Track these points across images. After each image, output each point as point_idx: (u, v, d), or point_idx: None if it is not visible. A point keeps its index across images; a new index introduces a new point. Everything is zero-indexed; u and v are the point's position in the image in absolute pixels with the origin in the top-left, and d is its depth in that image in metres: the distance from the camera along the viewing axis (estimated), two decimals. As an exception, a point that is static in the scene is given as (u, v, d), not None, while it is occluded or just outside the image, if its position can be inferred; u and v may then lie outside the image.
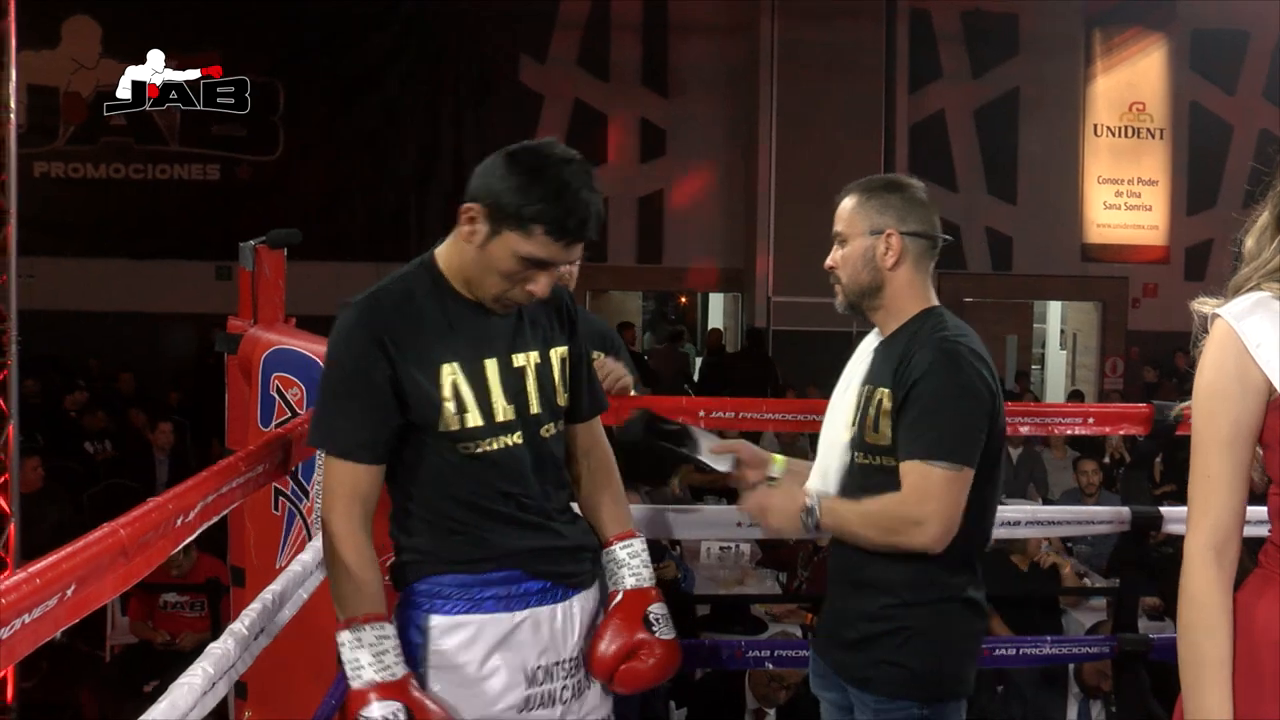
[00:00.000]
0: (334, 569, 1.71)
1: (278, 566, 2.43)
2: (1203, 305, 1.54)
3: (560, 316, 1.90)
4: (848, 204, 2.06)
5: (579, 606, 1.87)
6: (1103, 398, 11.24)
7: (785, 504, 1.99)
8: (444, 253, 1.81)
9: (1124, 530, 2.49)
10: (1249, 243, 1.54)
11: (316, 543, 1.97)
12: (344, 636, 1.66)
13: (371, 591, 1.69)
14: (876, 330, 2.12)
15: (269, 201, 10.73)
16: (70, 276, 10.66)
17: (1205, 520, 1.47)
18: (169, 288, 10.79)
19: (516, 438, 1.79)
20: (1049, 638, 2.69)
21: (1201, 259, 11.38)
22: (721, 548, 5.75)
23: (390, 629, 1.69)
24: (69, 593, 0.99)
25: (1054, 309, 13.30)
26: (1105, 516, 2.46)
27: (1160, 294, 11.56)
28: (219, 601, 5.03)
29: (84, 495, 6.97)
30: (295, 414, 2.38)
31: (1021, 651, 2.55)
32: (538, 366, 1.83)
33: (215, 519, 1.40)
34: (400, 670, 1.66)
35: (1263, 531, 1.51)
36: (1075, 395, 11.27)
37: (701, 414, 2.54)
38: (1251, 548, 1.50)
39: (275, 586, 1.65)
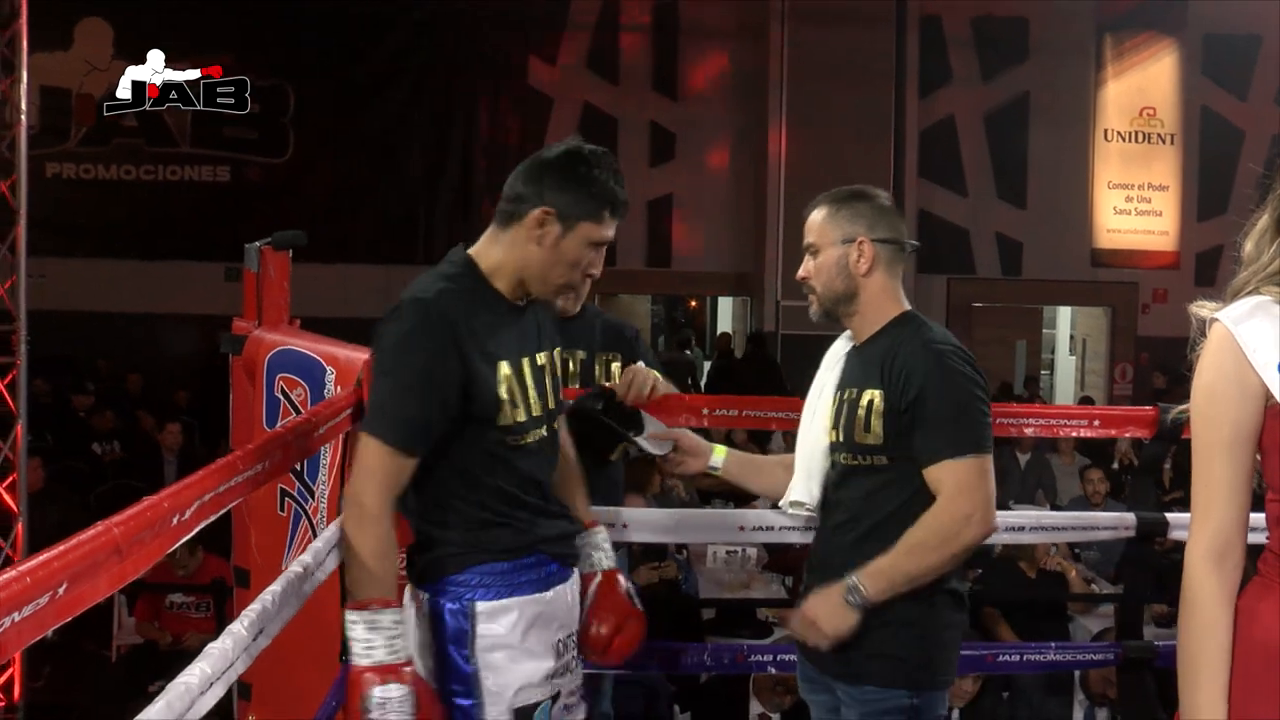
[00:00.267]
0: (356, 550, 1.76)
1: (283, 567, 2.43)
2: (1201, 309, 1.54)
3: (548, 318, 2.09)
4: (817, 216, 2.14)
5: (575, 585, 2.03)
6: (1112, 403, 11.19)
7: (827, 602, 2.01)
8: (484, 254, 1.92)
9: (1129, 536, 2.49)
10: (1248, 246, 1.54)
11: (318, 544, 1.98)
12: (357, 616, 1.72)
13: (390, 578, 1.77)
14: (845, 336, 2.22)
15: (279, 203, 10.75)
16: (80, 277, 10.71)
17: (1206, 526, 1.46)
18: (178, 289, 10.83)
19: (543, 430, 1.94)
20: (1053, 644, 2.67)
21: (1212, 265, 11.32)
22: (728, 551, 5.75)
23: (404, 615, 1.77)
24: (60, 591, 0.99)
25: (1063, 314, 13.26)
26: (1110, 522, 2.46)
27: (1170, 300, 11.49)
28: (224, 602, 5.05)
29: (91, 495, 6.99)
30: (300, 415, 2.39)
31: (1025, 658, 2.54)
32: (550, 365, 1.99)
33: (213, 518, 1.40)
34: (405, 654, 1.74)
35: (1262, 539, 1.50)
36: (1085, 401, 11.22)
37: (706, 411, 2.54)
38: (1251, 554, 1.49)
39: (275, 587, 1.65)
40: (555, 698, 1.94)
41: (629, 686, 3.49)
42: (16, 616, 0.90)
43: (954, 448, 1.97)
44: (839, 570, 2.06)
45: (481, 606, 1.86)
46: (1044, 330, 13.14)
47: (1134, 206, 11.76)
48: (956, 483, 1.96)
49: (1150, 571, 2.71)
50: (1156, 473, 2.66)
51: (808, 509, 2.22)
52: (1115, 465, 7.94)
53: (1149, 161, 11.76)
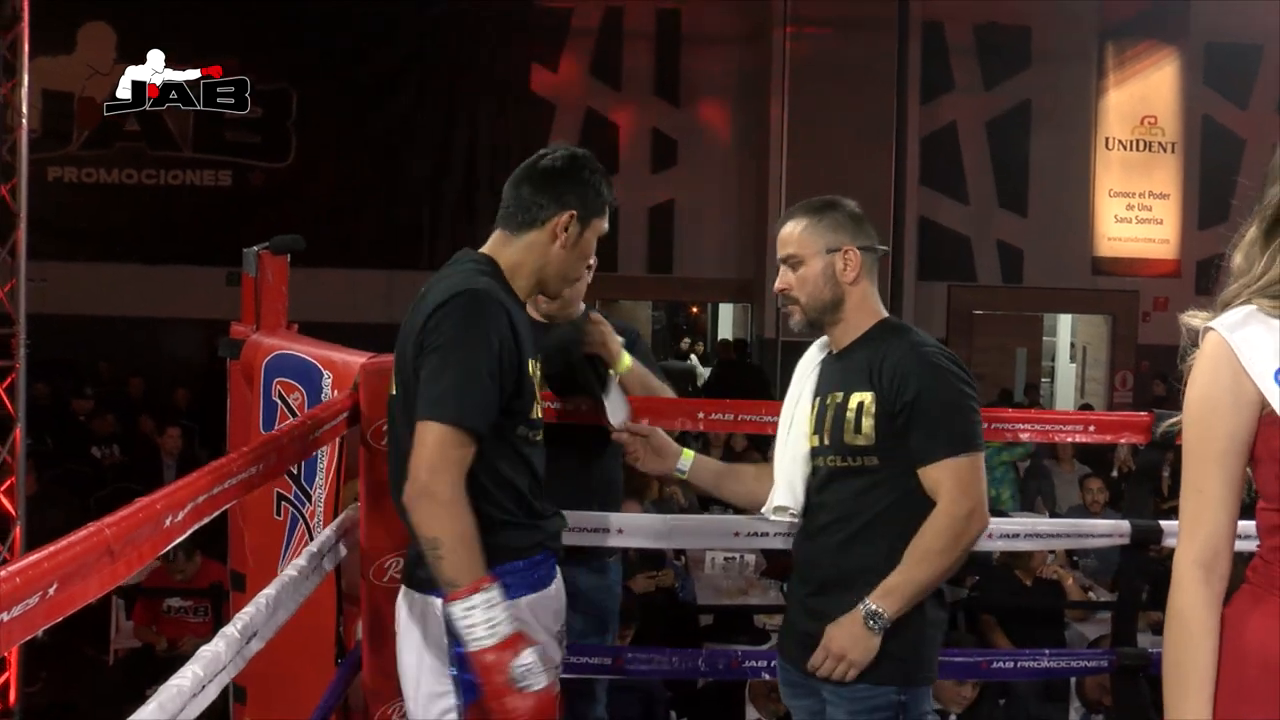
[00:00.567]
0: (446, 540, 1.75)
1: (279, 571, 2.43)
2: (1193, 318, 1.54)
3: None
4: (797, 227, 2.17)
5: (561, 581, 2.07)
6: (1112, 411, 11.20)
7: (848, 631, 2.01)
8: (504, 255, 2.00)
9: (1124, 544, 2.49)
10: (1237, 258, 1.54)
11: (313, 547, 1.98)
12: (475, 600, 1.72)
13: (481, 554, 1.77)
14: (819, 345, 2.26)
15: (281, 208, 10.77)
16: (82, 281, 10.72)
17: (1196, 536, 1.46)
18: (180, 293, 10.84)
19: (542, 431, 2.03)
20: (1047, 650, 2.68)
21: (1213, 273, 11.28)
22: (726, 558, 5.75)
23: (498, 584, 1.78)
24: (51, 591, 1.00)
25: (1064, 322, 13.26)
26: (1105, 529, 2.46)
27: (1171, 308, 11.48)
28: (222, 607, 5.05)
29: (91, 499, 7.00)
30: (296, 418, 2.39)
31: (1020, 664, 2.55)
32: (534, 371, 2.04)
33: (206, 520, 1.41)
34: (516, 621, 1.78)
35: (1250, 546, 1.50)
36: (1084, 409, 11.23)
37: (701, 415, 2.55)
38: (1238, 561, 1.49)
39: (270, 590, 1.65)
40: None
41: (625, 693, 3.49)
42: (6, 616, 0.90)
43: (951, 447, 2.01)
44: (828, 572, 2.09)
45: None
46: (1045, 338, 13.14)
47: (1135, 215, 11.77)
48: (956, 481, 2.00)
49: (1145, 579, 2.71)
50: (1154, 479, 2.65)
51: (791, 514, 2.23)
52: (1115, 473, 7.94)
53: (1150, 170, 11.76)
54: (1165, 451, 2.55)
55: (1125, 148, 11.73)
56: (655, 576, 4.95)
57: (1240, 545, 1.49)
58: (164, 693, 1.28)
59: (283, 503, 2.47)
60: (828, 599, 2.08)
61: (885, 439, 2.05)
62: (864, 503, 2.08)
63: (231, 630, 1.51)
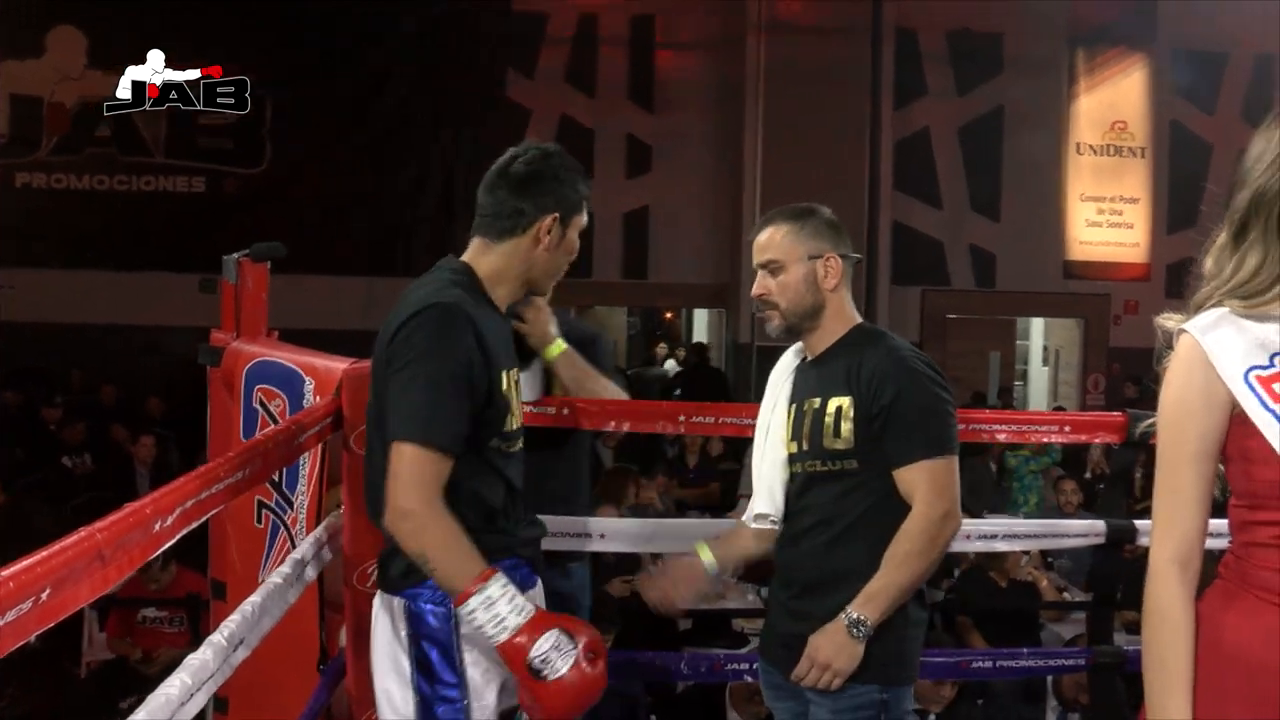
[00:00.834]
0: (438, 552, 1.76)
1: (260, 579, 2.43)
2: (1167, 320, 1.57)
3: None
4: (779, 233, 2.18)
5: (541, 590, 2.06)
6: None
7: (832, 640, 2.02)
8: (482, 263, 1.98)
9: (1100, 543, 2.52)
10: (1209, 262, 1.57)
11: (297, 554, 1.98)
12: (474, 602, 1.72)
13: (473, 555, 1.77)
14: (793, 351, 2.26)
15: (256, 214, 10.71)
16: (52, 288, 10.62)
17: (1171, 535, 1.49)
18: (153, 300, 10.75)
19: (521, 441, 2.02)
20: (1025, 650, 2.71)
21: (1182, 277, 11.28)
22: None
23: (503, 574, 1.77)
24: (44, 596, 1.00)
25: (1036, 325, 13.38)
26: (1080, 529, 2.49)
27: (1141, 311, 11.63)
28: (199, 617, 5.01)
29: (67, 508, 6.93)
30: (279, 424, 2.39)
31: (999, 664, 2.58)
32: (518, 381, 2.05)
33: (194, 524, 1.41)
34: (531, 605, 1.78)
35: (1222, 544, 1.53)
36: (1057, 411, 11.33)
37: (682, 418, 2.57)
38: (1210, 558, 1.52)
39: (255, 598, 1.65)
40: None
41: (606, 697, 3.49)
42: (0, 622, 0.91)
43: (926, 449, 2.04)
44: (810, 575, 2.11)
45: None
46: (1018, 341, 13.26)
47: (1105, 219, 11.90)
48: (932, 483, 2.03)
49: (1120, 578, 2.75)
50: (1128, 479, 2.69)
51: (772, 520, 2.24)
52: (1088, 475, 8.01)
53: (1120, 174, 11.91)
54: (1139, 451, 2.58)
55: (1096, 153, 11.87)
56: (631, 581, 4.96)
57: (1211, 543, 1.52)
58: (153, 701, 1.28)
59: (263, 510, 2.46)
60: (811, 601, 2.10)
61: (864, 443, 2.07)
62: (844, 506, 2.10)
63: (218, 638, 1.52)
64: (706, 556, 2.27)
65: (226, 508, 1.91)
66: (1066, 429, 2.52)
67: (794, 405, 2.20)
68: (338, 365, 2.28)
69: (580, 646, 1.74)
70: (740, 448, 8.50)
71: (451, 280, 1.92)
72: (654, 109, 11.66)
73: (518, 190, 1.96)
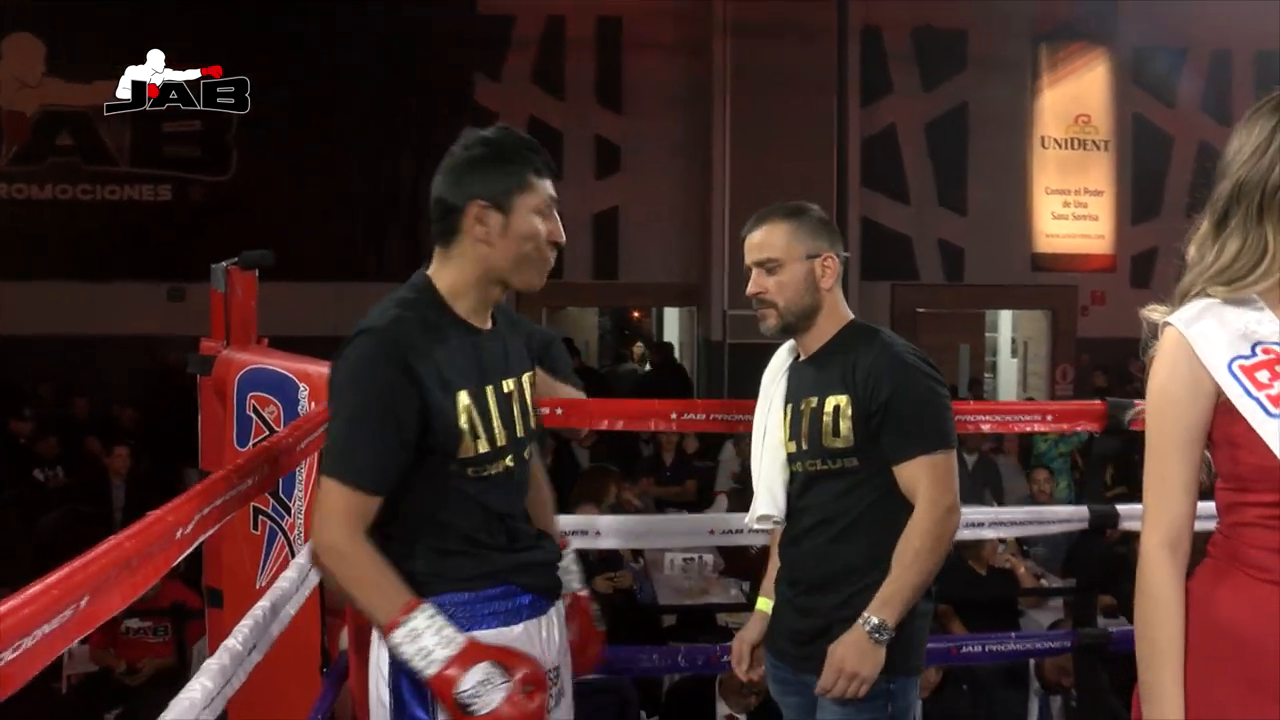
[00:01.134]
0: (357, 587, 1.71)
1: (258, 586, 2.44)
2: (1152, 312, 1.63)
3: (529, 343, 2.05)
4: (776, 231, 2.17)
5: (555, 618, 1.95)
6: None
7: (854, 648, 2.00)
8: (441, 275, 1.84)
9: (1083, 529, 2.58)
10: (1191, 251, 1.62)
11: (301, 559, 1.99)
12: (398, 636, 1.66)
13: (399, 586, 1.71)
14: (786, 349, 2.27)
15: (224, 222, 10.61)
16: (16, 300, 10.50)
17: (1162, 520, 1.54)
18: (121, 310, 10.66)
19: (510, 460, 1.87)
20: (1013, 634, 2.76)
21: (1147, 267, 11.64)
22: (685, 559, 5.79)
23: (431, 606, 1.70)
24: (82, 604, 1.02)
25: (1004, 318, 13.53)
26: (1064, 515, 2.55)
27: (1108, 301, 11.81)
28: (183, 627, 4.98)
29: (41, 521, 6.87)
30: (274, 432, 2.40)
31: (987, 648, 2.63)
32: (519, 392, 1.92)
33: (210, 531, 1.43)
34: (462, 637, 1.69)
35: (1209, 525, 1.59)
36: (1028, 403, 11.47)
37: (674, 416, 2.60)
38: (1197, 541, 1.58)
39: (265, 602, 1.66)
40: None
41: (599, 694, 3.53)
42: (47, 629, 0.93)
43: (925, 445, 2.05)
44: (816, 574, 2.11)
45: None
46: (987, 334, 13.40)
47: (1071, 211, 12.05)
48: (933, 478, 2.04)
49: (1102, 562, 2.81)
50: (1107, 466, 2.75)
51: (775, 521, 2.25)
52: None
53: (1085, 167, 12.06)
54: (1118, 439, 2.64)
55: (1060, 146, 12.02)
56: (614, 578, 4.99)
57: (1198, 526, 1.58)
58: (177, 706, 1.29)
59: (260, 517, 2.48)
60: (817, 598, 2.12)
61: (863, 440, 2.07)
62: (846, 504, 2.11)
63: (233, 643, 1.53)
64: (768, 607, 2.27)
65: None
66: (1049, 418, 2.58)
67: (790, 405, 2.21)
68: (332, 371, 2.29)
69: (515, 679, 1.66)
70: (716, 445, 8.56)
71: (399, 300, 1.82)
72: (622, 110, 11.68)
73: (445, 189, 1.83)
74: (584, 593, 2.09)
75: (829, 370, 2.13)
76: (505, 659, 1.69)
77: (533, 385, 1.99)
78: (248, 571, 2.50)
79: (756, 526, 2.28)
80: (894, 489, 2.08)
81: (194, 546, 1.37)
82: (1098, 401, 2.57)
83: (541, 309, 11.23)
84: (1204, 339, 1.51)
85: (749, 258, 2.22)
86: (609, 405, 2.50)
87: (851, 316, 2.22)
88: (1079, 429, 2.65)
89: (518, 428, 1.89)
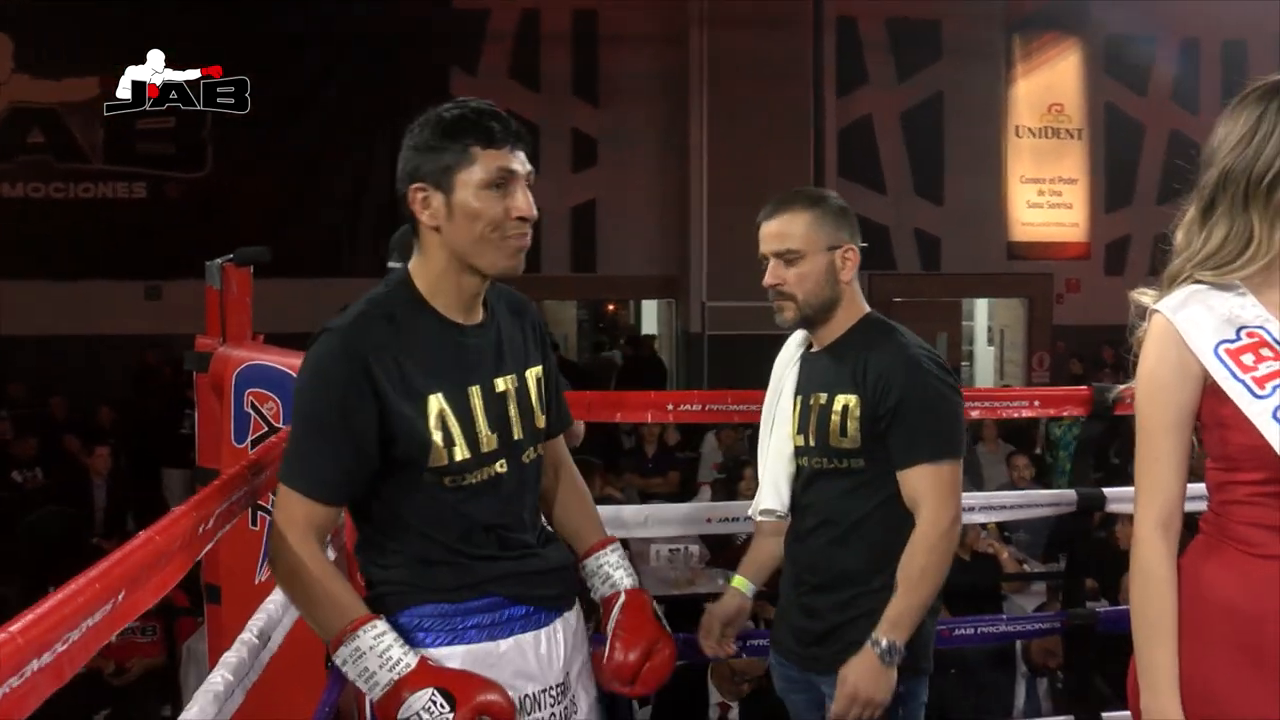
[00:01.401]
0: (304, 598, 1.62)
1: (258, 582, 2.45)
2: (1142, 296, 1.67)
3: (533, 331, 1.86)
4: (799, 221, 2.07)
5: (562, 629, 1.81)
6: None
7: (867, 674, 1.95)
8: (417, 270, 1.72)
9: (1071, 511, 2.64)
10: (1179, 236, 1.66)
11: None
12: (343, 654, 1.58)
13: (348, 601, 1.62)
14: (798, 340, 2.19)
15: (200, 219, 10.55)
16: (-11, 301, 10.41)
17: (1155, 500, 1.59)
18: (96, 310, 10.58)
19: (500, 466, 1.74)
20: (1004, 616, 2.82)
21: (1120, 254, 11.80)
22: (670, 550, 5.82)
23: (381, 624, 1.61)
24: (120, 598, 1.04)
25: (981, 306, 13.64)
26: (1052, 499, 2.60)
27: (1083, 289, 11.95)
28: (172, 625, 4.97)
29: (20, 523, 6.81)
30: (273, 427, 2.42)
31: (979, 630, 2.68)
32: (517, 390, 1.77)
33: (227, 527, 1.45)
34: (412, 658, 1.59)
35: (1200, 506, 1.64)
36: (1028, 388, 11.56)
37: (670, 407, 2.62)
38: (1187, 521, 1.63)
39: (277, 596, 1.68)
40: None
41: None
42: (90, 622, 0.95)
43: (931, 453, 1.98)
44: (819, 575, 2.07)
45: (420, 654, 1.66)
46: (964, 322, 13.51)
47: (1046, 200, 12.18)
48: (937, 489, 1.97)
49: (1090, 544, 2.87)
50: (1094, 450, 2.81)
51: (779, 515, 2.19)
52: (1038, 450, 8.23)
53: (1059, 156, 12.18)
54: (1104, 424, 2.70)
55: (1035, 135, 12.13)
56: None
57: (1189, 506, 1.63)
58: (201, 698, 1.31)
59: (259, 513, 2.49)
60: (819, 598, 2.08)
61: (870, 442, 2.01)
62: (850, 504, 2.05)
63: (249, 636, 1.55)
64: (746, 587, 2.23)
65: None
66: (1036, 403, 2.63)
67: (800, 397, 2.14)
68: (332, 367, 2.30)
69: (458, 710, 1.53)
70: (697, 437, 8.61)
71: (373, 296, 1.71)
72: (599, 103, 11.69)
73: (397, 176, 1.72)
74: (629, 589, 1.90)
75: (841, 366, 2.07)
76: (454, 685, 1.57)
77: (543, 380, 1.84)
78: (247, 568, 2.51)
79: (759, 519, 2.21)
80: (899, 493, 2.02)
81: (214, 540, 1.38)
82: (1083, 387, 2.62)
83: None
84: (1191, 324, 1.56)
85: (766, 247, 2.10)
86: (608, 397, 2.52)
87: (868, 309, 2.14)
88: (1066, 413, 2.69)
89: (514, 429, 1.75)
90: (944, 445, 2.00)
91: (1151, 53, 12.07)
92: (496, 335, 1.77)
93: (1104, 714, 2.67)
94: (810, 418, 2.10)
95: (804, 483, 2.13)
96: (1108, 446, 5.73)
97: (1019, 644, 4.10)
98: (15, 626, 0.84)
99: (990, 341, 13.53)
